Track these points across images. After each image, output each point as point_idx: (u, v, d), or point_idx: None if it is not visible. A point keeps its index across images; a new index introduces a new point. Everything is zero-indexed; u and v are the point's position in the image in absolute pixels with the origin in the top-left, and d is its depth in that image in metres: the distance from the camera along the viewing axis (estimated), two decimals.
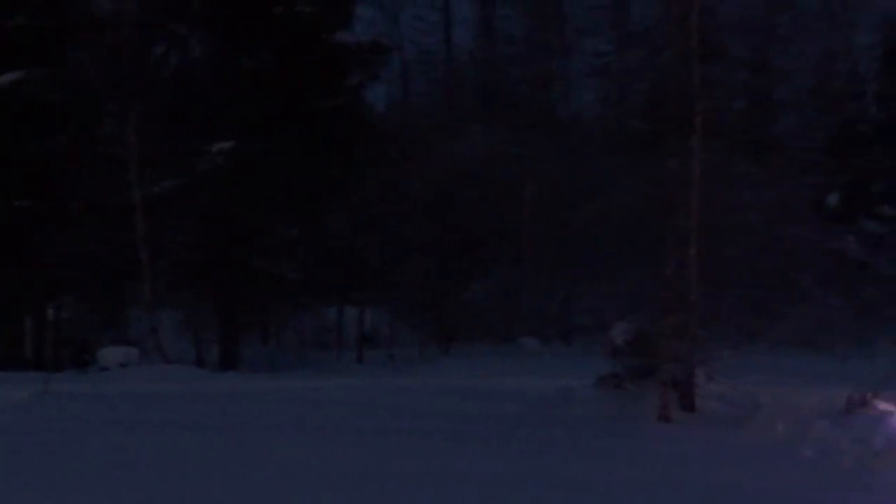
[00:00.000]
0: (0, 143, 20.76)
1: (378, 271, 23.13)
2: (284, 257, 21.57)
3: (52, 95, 20.94)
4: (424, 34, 36.87)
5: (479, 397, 14.79)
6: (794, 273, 14.45)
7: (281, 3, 21.17)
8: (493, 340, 26.15)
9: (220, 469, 9.17)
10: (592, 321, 24.34)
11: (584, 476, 9.33)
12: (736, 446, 11.02)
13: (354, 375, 19.29)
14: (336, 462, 9.66)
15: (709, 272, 12.99)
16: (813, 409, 11.90)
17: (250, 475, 8.86)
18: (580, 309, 26.77)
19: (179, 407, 13.74)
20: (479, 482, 8.94)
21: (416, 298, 24.93)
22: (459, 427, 12.07)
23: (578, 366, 15.70)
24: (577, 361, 18.27)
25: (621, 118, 27.92)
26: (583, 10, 33.38)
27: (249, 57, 22.25)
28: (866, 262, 26.18)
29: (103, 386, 16.94)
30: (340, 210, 22.14)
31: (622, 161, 17.93)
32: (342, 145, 21.24)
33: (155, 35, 22.03)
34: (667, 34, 13.98)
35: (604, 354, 14.47)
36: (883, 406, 11.85)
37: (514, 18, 35.43)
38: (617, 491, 8.79)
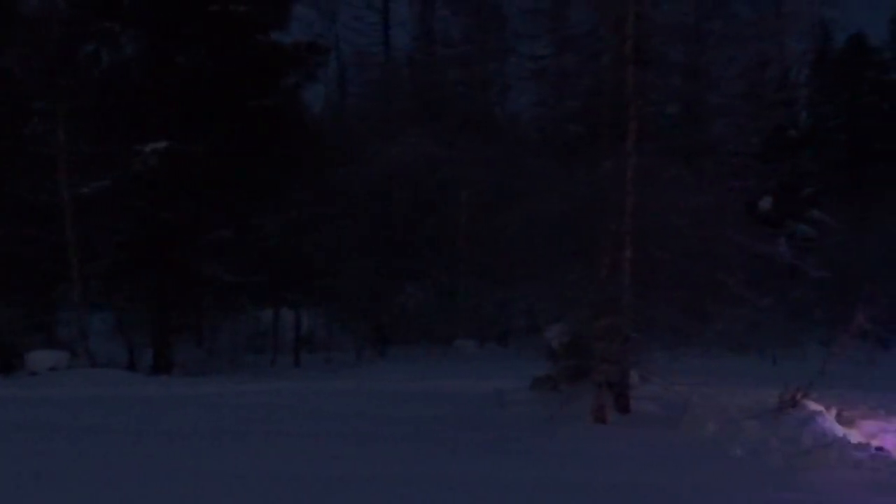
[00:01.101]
0: None
1: (314, 274, 22.94)
2: (219, 259, 21.29)
3: None
4: (362, 35, 36.76)
5: (414, 400, 14.77)
6: (725, 276, 14.61)
7: (216, 2, 20.89)
8: (429, 343, 26.11)
9: (136, 476, 9.05)
10: (528, 323, 24.47)
11: (517, 477, 9.37)
12: (668, 446, 11.14)
13: (290, 379, 19.13)
14: (263, 466, 9.58)
15: (642, 275, 13.11)
16: (743, 409, 12.09)
17: (166, 483, 8.76)
18: (516, 311, 26.88)
19: (106, 412, 13.53)
20: (410, 485, 8.93)
21: (353, 301, 24.80)
22: (393, 430, 12.04)
23: (515, 368, 15.80)
24: (513, 363, 18.37)
25: (558, 121, 28.06)
26: (521, 13, 33.53)
27: (184, 55, 21.94)
28: (797, 265, 26.65)
29: (31, 391, 16.58)
30: (276, 211, 21.92)
31: (558, 164, 18.04)
32: (278, 146, 21.03)
33: (85, 32, 21.57)
34: (602, 39, 14.08)
35: (540, 356, 14.55)
36: (811, 406, 12.09)
37: (452, 20, 35.47)
38: (549, 492, 8.84)
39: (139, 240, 20.98)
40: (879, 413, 12.47)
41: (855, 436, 11.55)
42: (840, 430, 11.56)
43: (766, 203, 27.96)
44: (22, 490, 8.37)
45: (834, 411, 12.45)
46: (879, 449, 10.91)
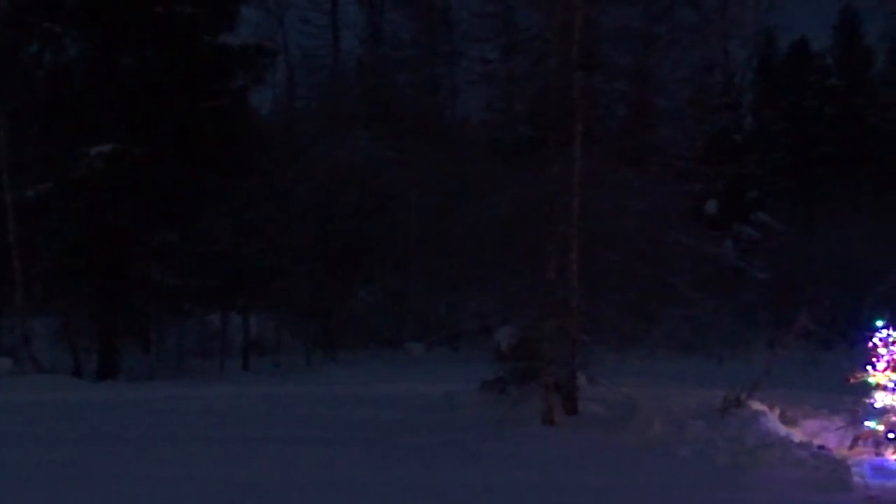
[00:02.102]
0: None
1: (263, 277, 22.78)
2: (165, 263, 21.05)
3: None
4: (311, 37, 36.61)
5: (363, 404, 14.72)
6: (672, 278, 14.76)
7: (161, 3, 20.66)
8: (379, 346, 26.08)
9: (78, 482, 8.94)
10: (478, 326, 24.52)
11: (466, 480, 9.39)
12: (616, 447, 11.23)
13: (239, 383, 18.98)
14: (208, 472, 9.50)
15: (590, 277, 13.21)
16: (689, 410, 12.20)
17: (108, 490, 8.66)
18: (466, 314, 26.92)
19: (50, 418, 13.31)
20: (360, 489, 8.90)
21: (302, 305, 24.66)
22: (342, 434, 12.00)
23: (464, 370, 15.79)
24: (463, 366, 18.38)
25: (506, 125, 28.14)
26: (470, 16, 33.60)
27: (129, 57, 21.68)
28: (742, 267, 27.04)
29: None
30: (224, 215, 21.73)
31: (506, 167, 18.09)
32: (225, 149, 20.86)
33: (27, 33, 21.21)
34: (550, 43, 14.15)
35: (489, 359, 14.56)
36: (756, 406, 12.24)
37: (401, 23, 35.47)
38: (498, 495, 8.88)
39: (84, 243, 20.66)
40: (822, 412, 12.64)
41: (797, 435, 11.74)
42: (783, 430, 11.75)
43: (711, 206, 28.32)
44: None
45: (777, 411, 12.62)
46: (821, 447, 11.11)
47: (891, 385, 11.34)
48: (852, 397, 11.89)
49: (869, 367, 11.54)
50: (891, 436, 11.07)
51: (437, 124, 29.66)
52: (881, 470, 10.59)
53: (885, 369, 11.42)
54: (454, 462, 10.35)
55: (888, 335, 11.50)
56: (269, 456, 10.43)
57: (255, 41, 24.20)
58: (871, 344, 11.57)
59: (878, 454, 11.11)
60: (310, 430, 12.25)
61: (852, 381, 11.69)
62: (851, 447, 11.52)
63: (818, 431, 12.06)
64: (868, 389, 11.50)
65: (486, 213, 14.85)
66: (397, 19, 35.32)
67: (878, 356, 11.49)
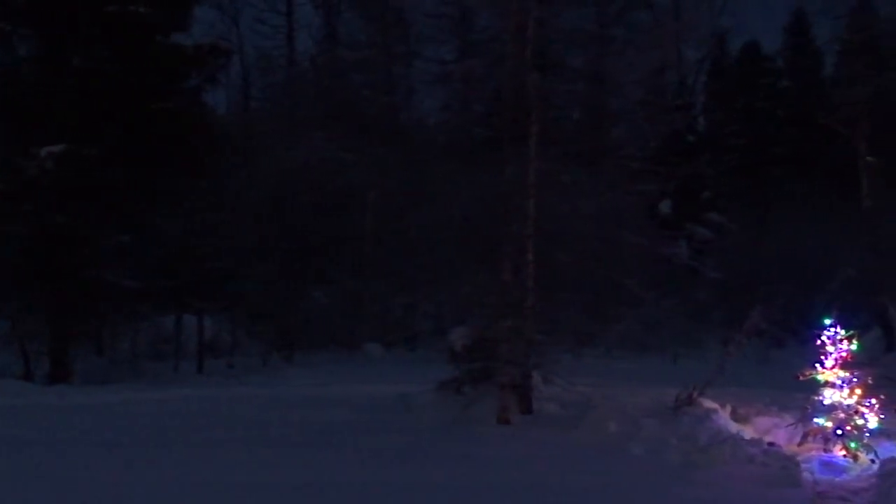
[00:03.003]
0: None
1: (217, 279, 22.61)
2: (118, 265, 20.81)
3: None
4: (266, 38, 36.44)
5: (320, 405, 14.67)
6: (626, 278, 14.90)
7: (113, 2, 20.41)
8: (336, 347, 26.01)
9: (28, 487, 8.83)
10: (435, 326, 24.58)
11: (421, 481, 9.40)
12: (571, 446, 11.31)
13: (193, 386, 18.82)
14: (160, 475, 9.43)
15: (545, 277, 13.29)
16: (643, 408, 12.32)
17: (55, 495, 8.58)
18: (423, 314, 26.97)
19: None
20: (314, 492, 8.89)
21: (258, 306, 24.53)
22: (297, 436, 11.95)
23: (422, 371, 15.81)
24: (420, 367, 18.39)
25: (463, 126, 28.24)
26: (426, 17, 33.62)
27: (80, 57, 21.39)
28: (695, 266, 27.32)
29: None
30: (178, 216, 21.53)
31: (462, 168, 18.14)
32: (179, 149, 20.66)
33: None
34: (505, 45, 14.23)
35: (446, 359, 14.60)
36: (708, 404, 12.40)
37: (356, 24, 35.41)
38: (454, 495, 8.90)
39: (35, 245, 20.36)
40: (772, 409, 12.84)
41: (749, 432, 11.92)
42: (734, 427, 11.91)
43: (665, 206, 28.64)
44: None
45: (729, 409, 12.80)
46: (771, 444, 11.28)
47: (839, 382, 11.54)
48: (802, 394, 12.07)
49: (818, 365, 11.74)
50: (839, 432, 11.26)
51: (393, 125, 29.67)
52: (829, 466, 10.79)
53: (833, 367, 11.61)
54: (409, 463, 10.35)
55: (836, 333, 11.69)
56: (224, 458, 10.37)
57: (210, 41, 23.99)
58: (819, 342, 11.77)
59: (826, 450, 11.29)
60: (265, 432, 12.19)
61: (802, 378, 11.87)
62: (801, 444, 11.70)
63: (769, 428, 12.24)
64: (817, 386, 11.70)
65: (441, 214, 14.91)
66: (353, 20, 35.28)
67: (827, 354, 11.68)
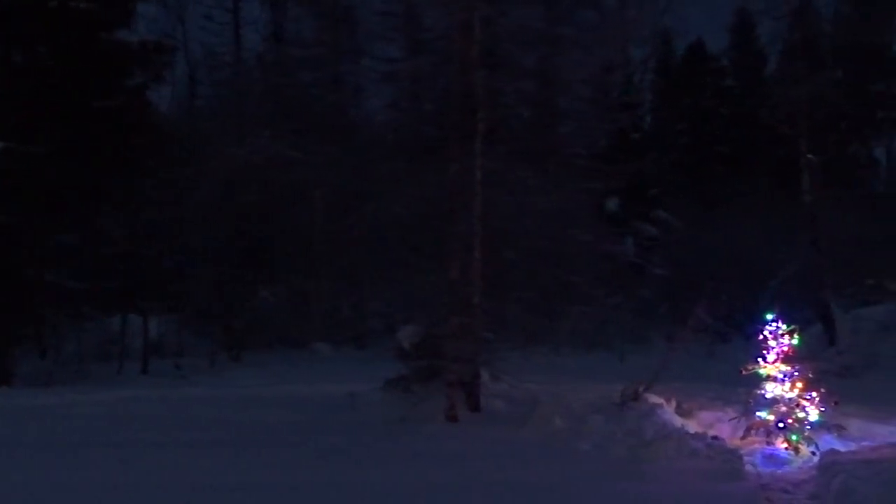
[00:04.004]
0: None
1: (163, 278, 22.36)
2: (62, 265, 20.50)
3: None
4: (212, 35, 36.03)
5: (267, 405, 14.59)
6: (574, 275, 15.02)
7: None
8: (285, 347, 25.85)
9: None
10: (384, 325, 24.51)
11: (368, 480, 9.39)
12: (517, 443, 11.38)
13: (138, 387, 18.60)
14: (100, 478, 9.32)
15: (492, 275, 13.34)
16: (589, 404, 12.42)
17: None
18: (372, 313, 26.89)
19: None
20: (261, 493, 8.84)
21: (205, 306, 24.30)
22: (245, 437, 11.87)
23: (371, 370, 15.74)
24: (369, 366, 18.31)
25: (411, 124, 28.18)
26: (373, 15, 33.44)
27: (21, 54, 21.05)
28: (641, 263, 27.58)
29: None
30: (122, 215, 21.25)
31: (411, 166, 18.11)
32: (122, 147, 20.40)
33: None
34: (452, 43, 14.23)
35: (394, 358, 14.58)
36: (653, 399, 12.54)
37: (304, 21, 35.15)
38: (400, 494, 8.90)
39: None
40: (717, 404, 13.02)
41: (693, 426, 12.07)
42: (679, 422, 12.06)
43: (612, 204, 28.82)
44: None
45: (674, 403, 12.95)
46: (715, 438, 11.44)
47: (780, 376, 11.74)
48: (745, 388, 12.26)
49: (760, 360, 11.93)
50: (781, 425, 11.46)
51: (340, 123, 29.49)
52: (771, 459, 10.98)
53: (775, 361, 11.82)
54: (357, 462, 10.35)
55: (778, 328, 11.89)
56: (170, 460, 10.27)
57: (154, 38, 23.74)
58: (762, 337, 11.96)
59: (768, 443, 11.48)
60: (211, 433, 12.09)
61: (745, 372, 12.06)
62: (744, 437, 11.88)
63: (713, 422, 12.41)
64: (759, 381, 11.89)
65: (389, 212, 14.89)
66: (300, 17, 35.02)
67: (769, 348, 11.88)
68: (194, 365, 22.78)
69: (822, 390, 11.76)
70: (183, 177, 23.01)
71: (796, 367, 11.80)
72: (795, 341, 11.96)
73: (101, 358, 22.65)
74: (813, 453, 10.99)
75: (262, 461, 10.31)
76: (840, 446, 11.04)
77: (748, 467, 10.35)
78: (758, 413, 11.80)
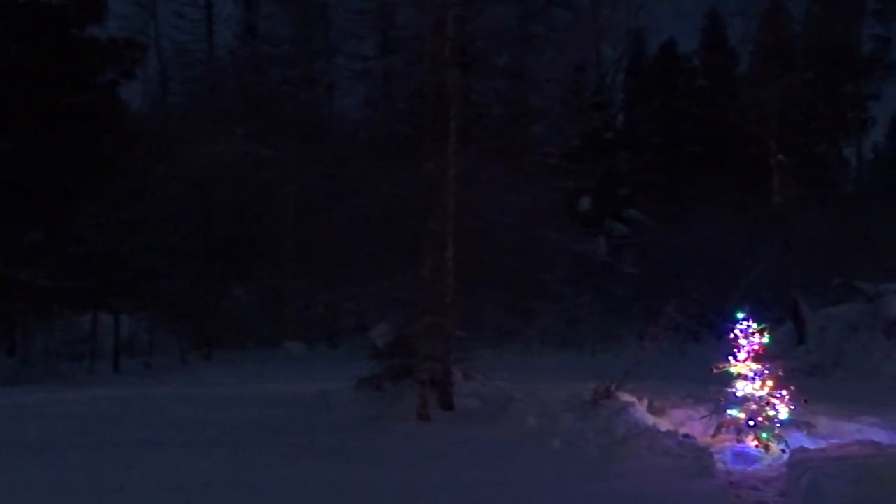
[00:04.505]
0: None
1: (135, 277, 22.20)
2: (32, 263, 20.31)
3: None
4: (184, 32, 35.78)
5: (238, 404, 14.54)
6: (546, 274, 15.06)
7: None
8: (257, 345, 25.76)
9: None
10: (356, 323, 24.46)
11: (340, 479, 9.36)
12: (490, 441, 11.39)
13: (109, 386, 18.48)
14: (72, 478, 9.24)
15: (465, 274, 13.34)
16: (562, 402, 12.46)
17: None
18: (345, 311, 26.82)
19: None
20: (232, 492, 8.79)
21: (177, 304, 24.14)
22: (214, 436, 11.81)
23: (343, 369, 15.73)
24: (342, 364, 18.29)
25: (384, 122, 28.12)
26: (347, 13, 33.37)
27: None
28: (613, 262, 27.68)
29: None
30: (93, 213, 21.08)
31: (384, 165, 18.06)
32: (93, 145, 20.26)
33: None
34: (425, 41, 14.22)
35: (367, 356, 14.56)
36: (624, 398, 12.60)
37: (277, 19, 35.00)
38: (373, 493, 8.88)
39: None
40: (688, 402, 13.09)
41: (664, 424, 12.14)
42: (650, 420, 12.13)
43: (585, 203, 28.95)
44: None
45: (646, 401, 13.02)
46: (686, 436, 11.51)
47: (751, 374, 11.82)
48: (716, 387, 12.34)
49: (731, 358, 12.01)
50: (751, 423, 11.54)
51: (313, 121, 29.42)
52: (742, 456, 11.06)
53: (746, 359, 11.90)
54: (329, 461, 10.31)
55: (748, 327, 11.98)
56: (142, 460, 10.18)
57: (125, 35, 23.56)
58: (732, 335, 12.04)
59: (739, 441, 11.57)
60: (181, 433, 12.01)
61: (716, 371, 12.14)
62: (715, 435, 11.97)
63: (684, 420, 12.49)
64: (730, 379, 11.97)
65: (362, 211, 14.82)
66: (273, 15, 34.86)
67: (739, 347, 11.96)
68: (165, 364, 22.66)
69: (792, 388, 11.86)
70: (154, 174, 22.85)
71: (766, 366, 11.89)
72: (766, 340, 12.06)
73: (70, 357, 22.45)
74: (783, 451, 11.09)
75: (233, 460, 10.25)
76: (809, 444, 11.14)
77: (719, 465, 10.43)
78: (728, 411, 11.88)
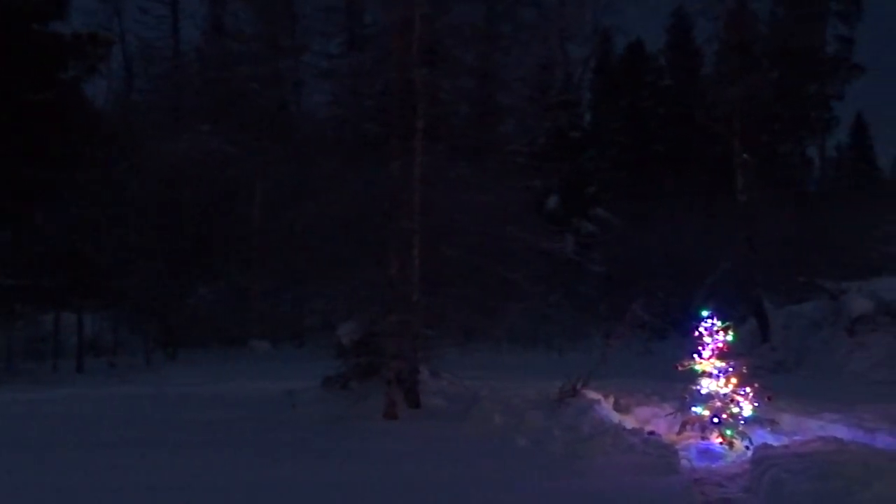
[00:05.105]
0: None
1: (99, 275, 21.96)
2: None
3: None
4: (150, 28, 35.48)
5: (204, 404, 14.43)
6: (513, 272, 15.05)
7: None
8: (223, 344, 25.58)
9: None
10: (323, 322, 24.38)
11: (306, 479, 9.33)
12: (457, 440, 11.40)
13: (73, 386, 18.27)
14: (30, 479, 9.13)
15: (432, 272, 13.34)
16: (528, 401, 12.49)
17: None
18: (311, 310, 26.74)
19: None
20: (197, 493, 8.73)
21: (141, 303, 23.93)
22: (179, 435, 11.70)
23: (310, 367, 15.70)
24: (308, 363, 18.25)
25: (352, 120, 28.03)
26: (314, 10, 33.26)
27: None
28: (580, 261, 27.77)
29: None
30: (56, 211, 20.85)
31: (351, 163, 17.99)
32: (57, 142, 20.04)
33: None
34: (392, 40, 14.20)
35: (333, 355, 14.52)
36: (591, 395, 12.65)
37: (244, 15, 34.77)
38: (340, 491, 8.85)
39: None
40: (653, 399, 13.16)
41: (630, 422, 12.20)
42: (616, 417, 12.18)
43: (552, 201, 29.05)
44: None
45: (612, 399, 13.08)
46: (651, 433, 11.57)
47: (715, 372, 11.91)
48: (681, 384, 12.42)
49: (695, 356, 12.09)
50: (715, 420, 11.63)
51: (280, 119, 29.27)
52: (706, 453, 11.14)
53: (710, 357, 11.99)
54: (296, 460, 10.27)
55: (713, 324, 12.07)
56: (107, 460, 10.08)
57: (90, 30, 23.29)
58: (697, 333, 12.12)
59: (703, 438, 11.65)
60: (145, 432, 11.92)
61: (680, 368, 12.22)
62: (680, 432, 12.05)
63: (649, 418, 12.56)
64: (695, 376, 12.05)
65: (329, 209, 14.77)
66: (239, 11, 34.62)
67: (704, 345, 12.05)
68: (129, 363, 22.45)
69: (756, 385, 11.96)
70: (119, 172, 22.64)
71: (731, 363, 11.98)
72: (730, 338, 12.15)
73: (32, 356, 22.20)
74: (746, 447, 11.18)
75: (199, 460, 10.18)
76: (773, 440, 11.24)
77: (683, 462, 10.50)
78: (693, 408, 11.97)
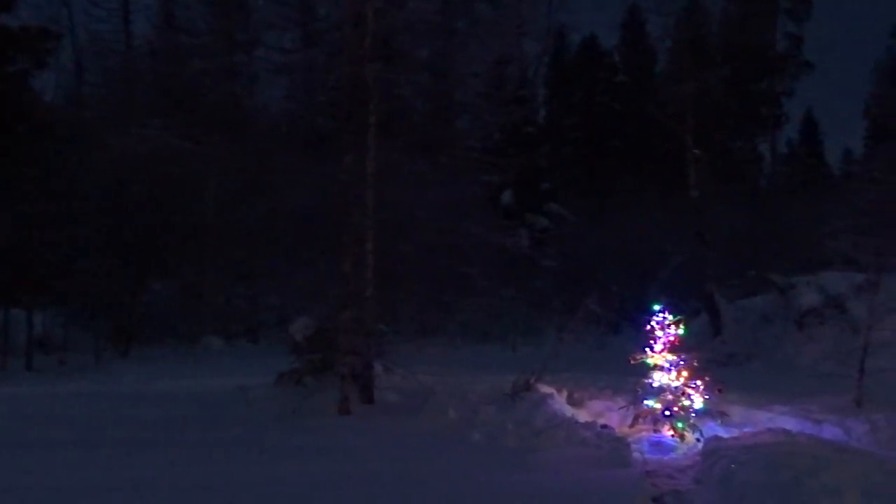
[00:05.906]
0: None
1: (49, 272, 21.62)
2: None
3: None
4: (100, 21, 35.03)
5: (156, 401, 14.27)
6: (467, 268, 15.11)
7: None
8: (175, 341, 25.31)
9: None
10: (276, 318, 24.25)
11: (261, 474, 9.27)
12: (411, 435, 11.40)
13: (23, 384, 17.96)
14: None
15: (385, 268, 13.32)
16: (482, 395, 12.52)
17: None
18: (265, 306, 26.58)
19: None
20: (148, 491, 8.63)
21: (92, 300, 23.59)
22: (129, 433, 11.56)
23: (264, 364, 15.60)
24: (262, 359, 18.13)
25: (306, 115, 27.92)
26: (268, 4, 33.02)
27: None
28: (534, 256, 27.92)
29: None
30: (4, 206, 20.48)
31: (304, 158, 17.92)
32: (4, 136, 19.68)
33: None
34: (345, 34, 14.13)
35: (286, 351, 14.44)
36: (544, 389, 12.72)
37: (196, 9, 34.42)
38: (292, 486, 8.82)
39: None
40: (606, 393, 13.27)
41: (583, 415, 12.29)
42: (570, 411, 12.27)
43: (506, 197, 29.12)
44: None
45: (565, 393, 13.16)
46: (604, 426, 11.67)
47: (667, 365, 12.04)
48: (634, 378, 12.53)
49: (648, 349, 12.21)
50: (667, 413, 11.75)
51: (233, 114, 29.01)
52: (658, 446, 11.27)
53: (662, 350, 12.12)
54: (249, 456, 10.19)
55: (665, 318, 12.19)
56: (57, 459, 9.95)
57: (38, 23, 22.93)
58: (649, 327, 12.24)
59: (655, 431, 11.79)
60: (97, 431, 11.76)
61: (633, 362, 12.34)
62: (632, 425, 12.17)
63: (602, 411, 12.66)
64: (647, 370, 12.17)
65: (282, 205, 14.73)
66: (192, 5, 34.25)
67: (656, 338, 12.17)
68: (80, 361, 22.13)
69: (707, 378, 12.11)
70: (69, 166, 22.30)
71: (682, 357, 12.13)
72: (681, 331, 12.29)
73: None
74: (697, 440, 11.32)
75: (150, 458, 10.07)
76: (723, 432, 11.39)
77: (635, 454, 10.60)
78: (645, 401, 12.10)
